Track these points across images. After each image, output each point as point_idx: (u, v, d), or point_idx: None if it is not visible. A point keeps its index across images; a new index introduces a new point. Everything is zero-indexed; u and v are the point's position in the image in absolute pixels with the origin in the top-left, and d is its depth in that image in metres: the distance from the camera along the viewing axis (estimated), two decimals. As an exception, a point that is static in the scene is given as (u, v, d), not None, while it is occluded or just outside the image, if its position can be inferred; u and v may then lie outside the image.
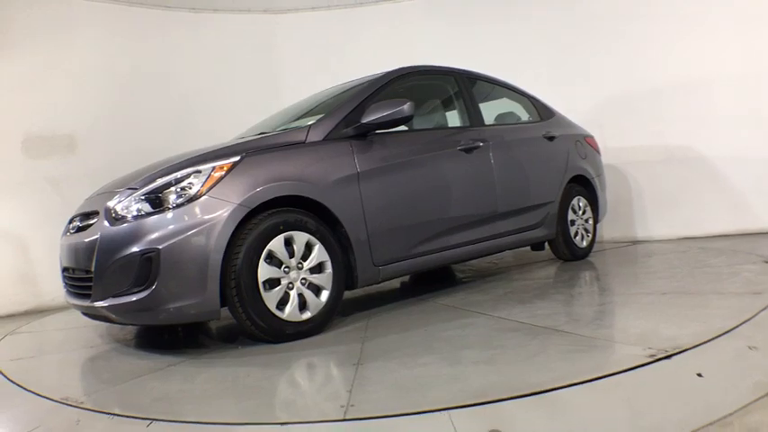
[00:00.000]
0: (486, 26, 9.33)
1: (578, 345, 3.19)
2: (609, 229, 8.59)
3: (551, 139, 6.56)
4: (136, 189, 4.04)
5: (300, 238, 4.12)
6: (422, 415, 2.46)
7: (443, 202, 5.20)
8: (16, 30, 7.80)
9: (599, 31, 8.67)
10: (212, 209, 3.84)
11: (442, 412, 2.45)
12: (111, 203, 4.08)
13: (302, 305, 4.12)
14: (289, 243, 4.09)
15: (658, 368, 2.67)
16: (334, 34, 9.68)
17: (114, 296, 3.88)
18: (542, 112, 6.91)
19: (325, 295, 4.23)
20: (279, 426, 2.52)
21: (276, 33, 9.65)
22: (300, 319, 4.08)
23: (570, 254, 6.64)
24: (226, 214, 3.84)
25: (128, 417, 2.73)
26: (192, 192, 3.90)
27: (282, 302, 4.03)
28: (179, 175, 3.98)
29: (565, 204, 6.54)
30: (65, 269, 4.57)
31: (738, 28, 7.89)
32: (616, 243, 8.29)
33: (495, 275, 6.28)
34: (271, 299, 3.95)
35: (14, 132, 7.69)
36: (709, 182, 8.09)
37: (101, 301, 3.95)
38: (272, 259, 4.01)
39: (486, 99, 6.56)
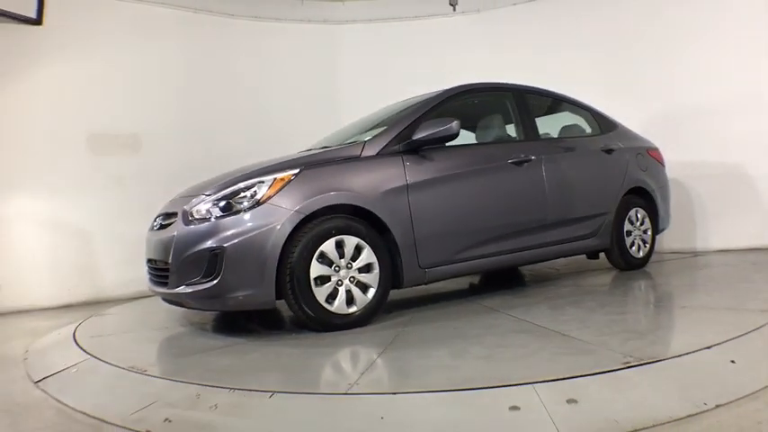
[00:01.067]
0: (537, 41, 9.55)
1: (571, 348, 3.50)
2: (671, 240, 8.53)
3: (609, 152, 6.65)
4: (209, 195, 4.65)
5: (350, 241, 4.60)
6: (404, 395, 2.93)
7: (490, 212, 5.50)
8: (85, 32, 8.17)
9: (659, 47, 8.78)
10: (272, 214, 4.41)
11: (422, 394, 2.92)
12: (187, 207, 4.70)
13: (350, 300, 4.60)
14: (340, 246, 4.57)
15: (621, 375, 2.97)
16: (390, 46, 9.92)
17: (187, 284, 4.49)
18: (603, 124, 7.01)
19: (371, 293, 4.70)
20: (293, 395, 3.05)
21: (335, 43, 9.94)
22: (347, 312, 4.57)
23: (625, 264, 6.68)
24: (283, 219, 4.39)
25: (248, 390, 3.11)
26: (256, 199, 4.47)
27: (332, 297, 4.53)
28: (246, 184, 4.56)
29: (621, 215, 6.61)
30: (149, 260, 5.11)
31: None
32: (679, 254, 8.32)
33: (550, 281, 6.52)
34: (321, 293, 4.47)
35: (80, 130, 8.05)
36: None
37: (175, 288, 4.58)
38: (324, 259, 4.50)
39: (547, 113, 6.94)
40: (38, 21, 7.73)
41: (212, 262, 4.37)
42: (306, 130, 8.12)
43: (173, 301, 4.85)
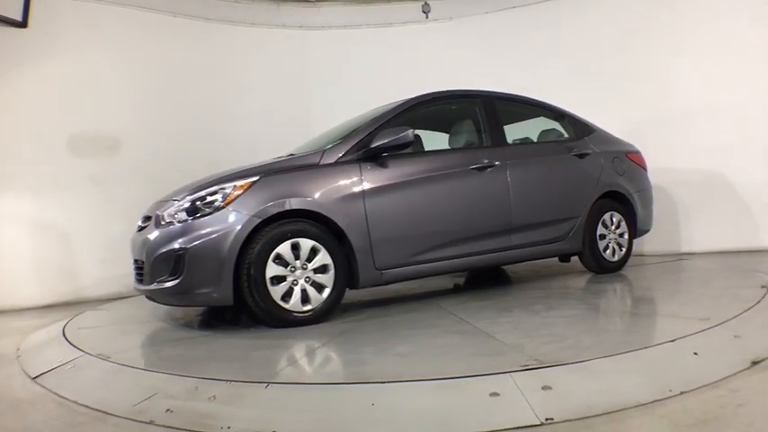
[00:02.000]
0: (511, 48, 9.79)
1: (487, 349, 3.72)
2: (658, 242, 8.69)
3: (582, 156, 6.74)
4: (178, 200, 5.07)
5: (306, 244, 4.94)
6: (301, 385, 3.23)
7: (449, 216, 5.73)
8: (67, 35, 8.30)
9: (634, 57, 8.99)
10: (230, 219, 4.78)
11: (314, 386, 3.21)
12: (159, 211, 5.12)
13: (305, 299, 4.94)
14: (296, 248, 4.92)
15: (593, 365, 3.20)
16: (364, 52, 10.10)
17: (158, 282, 4.90)
18: (579, 129, 7.08)
19: (326, 292, 5.03)
20: (289, 385, 3.28)
21: (309, 48, 10.11)
22: (302, 310, 4.92)
23: (599, 267, 6.77)
24: (240, 223, 4.76)
25: (245, 381, 3.31)
26: (216, 205, 4.85)
27: (288, 295, 4.88)
28: (209, 191, 4.95)
29: (594, 219, 6.69)
30: (134, 260, 5.43)
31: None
32: (664, 256, 8.51)
33: (526, 282, 6.80)
34: (276, 292, 4.82)
35: (62, 131, 8.18)
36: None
37: (149, 285, 4.98)
38: (280, 260, 4.85)
39: (521, 119, 7.16)
40: (23, 23, 7.86)
41: (177, 262, 4.78)
42: (281, 133, 8.35)
43: (152, 297, 5.20)
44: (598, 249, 6.74)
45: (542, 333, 4.03)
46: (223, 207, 4.82)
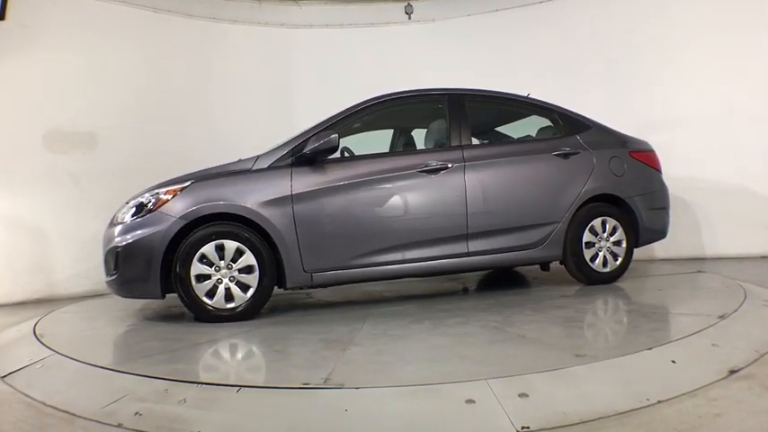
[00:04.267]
0: (494, 51, 9.82)
1: (464, 355, 3.72)
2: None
3: (566, 156, 6.29)
4: (127, 203, 5.53)
5: (230, 245, 5.23)
6: (274, 390, 3.26)
7: (390, 220, 5.66)
8: (44, 30, 8.19)
9: (613, 59, 9.07)
10: (160, 220, 5.17)
11: (286, 390, 3.21)
12: (115, 212, 5.61)
13: (229, 297, 5.25)
14: (222, 248, 5.22)
15: (570, 372, 3.19)
16: (346, 51, 10.10)
17: (107, 275, 5.46)
18: (570, 125, 6.63)
19: (251, 292, 5.29)
20: (260, 389, 3.29)
21: (291, 47, 10.07)
22: (226, 307, 5.23)
23: (585, 278, 6.26)
24: (167, 224, 5.14)
25: (216, 384, 3.28)
26: (150, 208, 5.27)
27: (212, 293, 5.21)
28: (148, 195, 5.38)
29: (579, 225, 6.21)
30: None
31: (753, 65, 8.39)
32: (680, 262, 8.34)
33: (507, 289, 6.73)
34: (201, 289, 5.18)
35: (37, 127, 8.10)
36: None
37: (105, 279, 5.51)
38: (205, 259, 5.19)
39: (505, 116, 7.01)
40: (0, 16, 7.74)
41: (116, 258, 5.25)
42: (262, 130, 8.33)
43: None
44: (583, 258, 6.23)
45: (520, 339, 4.00)
46: (155, 210, 5.23)
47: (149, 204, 5.30)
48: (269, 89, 9.89)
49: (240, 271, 5.26)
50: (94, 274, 6.60)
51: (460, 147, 6.05)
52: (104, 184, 8.29)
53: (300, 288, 5.66)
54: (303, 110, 9.19)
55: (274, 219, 5.33)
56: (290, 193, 5.40)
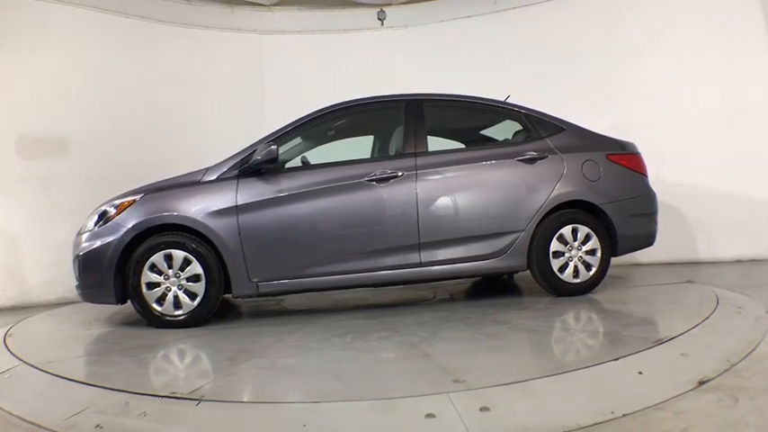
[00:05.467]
0: (468, 57, 9.77)
1: (423, 368, 3.69)
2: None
3: (532, 161, 6.08)
4: (92, 213, 5.74)
5: (177, 254, 5.44)
6: (233, 404, 3.23)
7: (337, 231, 5.67)
8: (14, 35, 8.15)
9: (588, 64, 9.07)
10: (114, 230, 5.45)
11: (245, 404, 3.27)
12: (86, 219, 5.81)
13: (178, 305, 5.46)
14: (171, 257, 5.44)
15: (532, 385, 3.18)
16: (318, 58, 10.06)
17: (75, 281, 5.67)
18: (542, 128, 6.38)
19: (198, 300, 5.47)
20: (220, 403, 3.24)
21: (264, 53, 10.03)
22: (174, 314, 5.46)
23: (552, 289, 6.03)
24: (120, 234, 5.41)
25: (176, 398, 3.28)
26: (107, 218, 5.55)
27: (162, 300, 5.44)
28: (106, 206, 5.66)
29: (546, 233, 5.98)
30: None
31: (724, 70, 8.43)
32: (670, 266, 8.20)
33: (471, 299, 6.69)
34: (150, 296, 5.42)
35: (9, 133, 8.03)
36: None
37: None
38: (155, 268, 5.42)
39: (472, 121, 6.92)
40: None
41: (77, 265, 5.56)
42: (235, 137, 8.14)
43: None
44: (551, 268, 5.98)
45: (482, 351, 3.99)
46: (110, 220, 5.51)
47: (107, 215, 5.57)
48: (241, 96, 9.81)
49: (188, 279, 5.45)
50: (67, 280, 6.57)
51: (414, 154, 5.98)
52: (76, 190, 8.20)
53: (250, 296, 5.75)
54: (275, 116, 9.05)
55: (220, 229, 5.48)
56: (234, 204, 5.54)
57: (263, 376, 3.71)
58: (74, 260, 5.64)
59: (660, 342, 3.79)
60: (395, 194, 5.78)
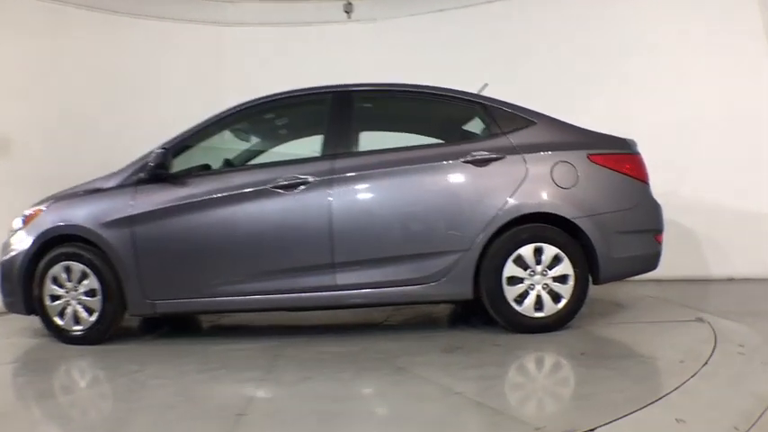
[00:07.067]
0: (437, 52, 9.27)
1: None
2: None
3: (482, 162, 5.03)
4: (18, 219, 5.61)
5: (76, 267, 5.16)
6: None
7: (239, 246, 5.02)
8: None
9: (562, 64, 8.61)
10: (24, 240, 5.31)
11: None
12: None
13: (77, 320, 5.22)
14: (71, 270, 5.21)
15: None
16: (280, 51, 9.60)
17: None
18: (507, 122, 5.27)
19: (95, 315, 5.17)
20: None
21: (223, 46, 9.60)
22: (72, 329, 5.22)
23: (507, 324, 4.94)
24: (28, 244, 5.26)
25: None
26: (19, 227, 5.45)
27: (63, 313, 5.24)
28: (24, 214, 5.51)
29: (500, 254, 4.90)
30: None
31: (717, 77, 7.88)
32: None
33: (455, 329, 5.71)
34: (52, 310, 5.23)
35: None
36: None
37: None
38: (56, 281, 5.21)
39: (423, 115, 5.96)
40: None
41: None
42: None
43: None
44: (503, 298, 4.89)
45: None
46: (21, 230, 5.39)
47: (19, 224, 5.46)
48: (199, 90, 9.26)
49: (86, 294, 5.16)
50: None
51: (333, 156, 5.12)
52: (18, 190, 7.51)
53: (146, 315, 5.46)
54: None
55: (114, 241, 5.07)
56: (129, 214, 5.09)
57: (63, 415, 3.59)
58: None
59: (648, 404, 3.04)
60: (304, 204, 4.98)
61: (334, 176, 4.99)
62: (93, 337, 5.16)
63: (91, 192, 5.30)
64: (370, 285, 4.97)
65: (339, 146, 5.18)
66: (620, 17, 8.37)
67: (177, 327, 6.08)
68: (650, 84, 8.09)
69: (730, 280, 7.60)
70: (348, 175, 5.01)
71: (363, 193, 5.05)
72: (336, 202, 4.93)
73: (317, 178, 4.97)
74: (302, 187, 4.95)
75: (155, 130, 8.32)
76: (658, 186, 5.60)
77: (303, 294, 4.99)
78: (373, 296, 5.02)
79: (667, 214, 5.43)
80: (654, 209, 5.28)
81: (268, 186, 4.98)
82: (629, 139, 5.40)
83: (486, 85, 5.73)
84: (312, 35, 9.68)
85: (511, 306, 4.87)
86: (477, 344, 4.73)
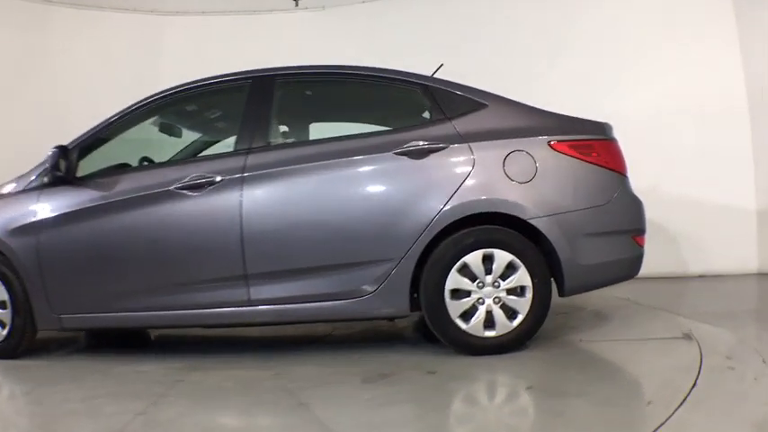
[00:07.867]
0: (389, 41, 8.99)
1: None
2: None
3: (418, 154, 4.36)
4: None
5: None
6: None
7: (144, 255, 4.53)
8: None
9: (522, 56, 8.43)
10: None
11: None
12: None
13: None
14: None
15: None
16: (224, 40, 9.30)
17: None
18: (452, 105, 4.56)
19: (6, 330, 4.74)
20: None
21: (163, 36, 9.30)
22: None
23: (452, 344, 4.31)
24: None
25: None
26: None
27: None
28: None
29: (441, 263, 4.24)
30: None
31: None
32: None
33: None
34: None
35: None
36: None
37: None
38: None
39: (357, 100, 5.35)
40: None
41: None
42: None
43: None
44: (447, 315, 4.23)
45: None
46: None
47: None
48: (138, 81, 8.66)
49: None
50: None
51: (246, 151, 4.52)
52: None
53: (54, 330, 4.95)
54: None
55: (20, 250, 4.65)
56: (32, 221, 4.68)
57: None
58: None
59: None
60: (212, 207, 4.41)
61: (246, 174, 4.41)
62: (5, 351, 4.79)
63: (2, 196, 4.93)
64: (287, 300, 4.39)
65: (254, 139, 4.57)
66: (598, 6, 8.30)
67: (116, 339, 5.72)
68: (630, 78, 8.01)
69: (701, 277, 7.52)
70: (262, 172, 4.42)
71: (279, 193, 4.43)
72: (248, 204, 4.37)
73: (225, 177, 4.40)
74: (208, 188, 4.40)
75: (88, 124, 8.05)
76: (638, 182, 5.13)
77: (214, 310, 4.45)
78: (292, 313, 4.42)
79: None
80: (633, 205, 4.57)
81: (172, 187, 4.45)
82: (604, 123, 4.67)
83: (441, 65, 5.05)
84: (258, 24, 9.38)
85: (455, 324, 4.22)
86: (408, 370, 4.04)
